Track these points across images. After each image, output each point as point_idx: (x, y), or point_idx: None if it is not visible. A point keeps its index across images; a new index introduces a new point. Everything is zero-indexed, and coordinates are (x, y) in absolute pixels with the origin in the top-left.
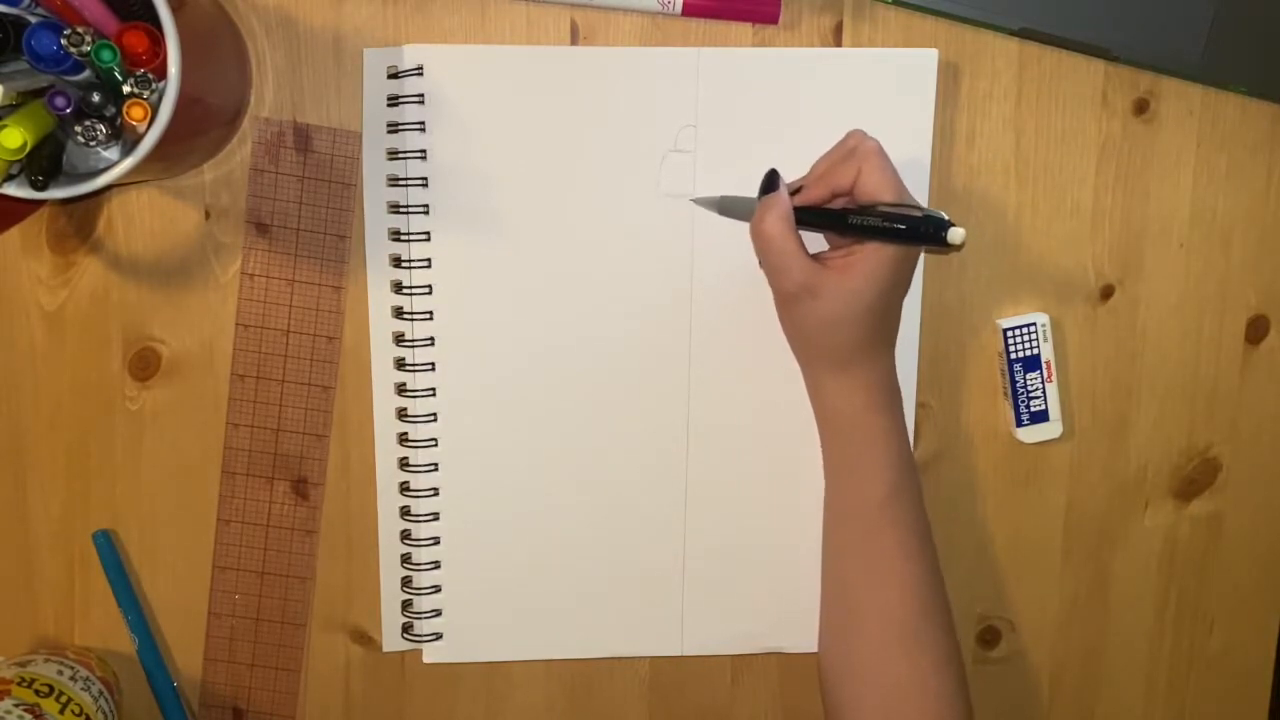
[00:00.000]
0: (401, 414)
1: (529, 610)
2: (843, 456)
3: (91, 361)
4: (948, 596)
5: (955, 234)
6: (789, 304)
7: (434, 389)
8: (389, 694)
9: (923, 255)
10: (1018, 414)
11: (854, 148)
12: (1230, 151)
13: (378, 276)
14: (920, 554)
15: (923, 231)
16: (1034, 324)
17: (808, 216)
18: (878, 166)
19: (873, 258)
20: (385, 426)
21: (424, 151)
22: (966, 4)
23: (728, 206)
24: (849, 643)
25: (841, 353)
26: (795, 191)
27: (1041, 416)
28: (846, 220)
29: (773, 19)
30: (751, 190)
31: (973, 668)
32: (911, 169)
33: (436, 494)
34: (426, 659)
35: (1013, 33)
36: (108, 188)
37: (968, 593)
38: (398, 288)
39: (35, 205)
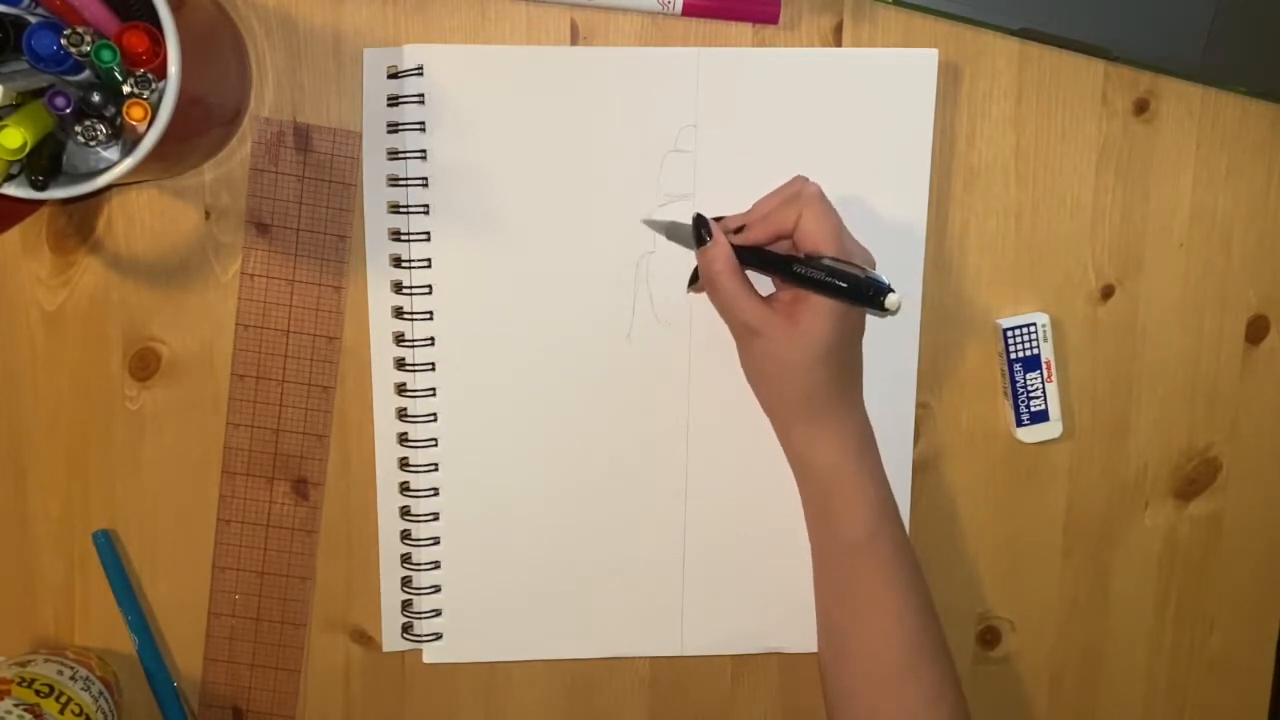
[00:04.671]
0: (401, 414)
1: (529, 610)
2: (818, 504)
3: (91, 361)
4: (941, 630)
5: (892, 300)
6: (742, 341)
7: (434, 389)
8: (389, 694)
9: (923, 255)
10: (1018, 414)
11: (797, 192)
12: (1230, 151)
13: (378, 276)
14: (906, 593)
15: (862, 293)
16: (1034, 324)
17: (752, 257)
18: (819, 213)
19: (819, 307)
20: (385, 426)
21: (424, 151)
22: (966, 4)
23: (675, 232)
24: (842, 679)
25: (805, 403)
26: (739, 230)
27: (1041, 416)
28: (790, 268)
29: (773, 19)
30: (748, 191)
31: (973, 668)
32: (911, 169)
33: (436, 494)
34: (426, 659)
35: (1013, 33)
36: (108, 188)
37: (968, 593)
38: (398, 288)
39: (35, 205)
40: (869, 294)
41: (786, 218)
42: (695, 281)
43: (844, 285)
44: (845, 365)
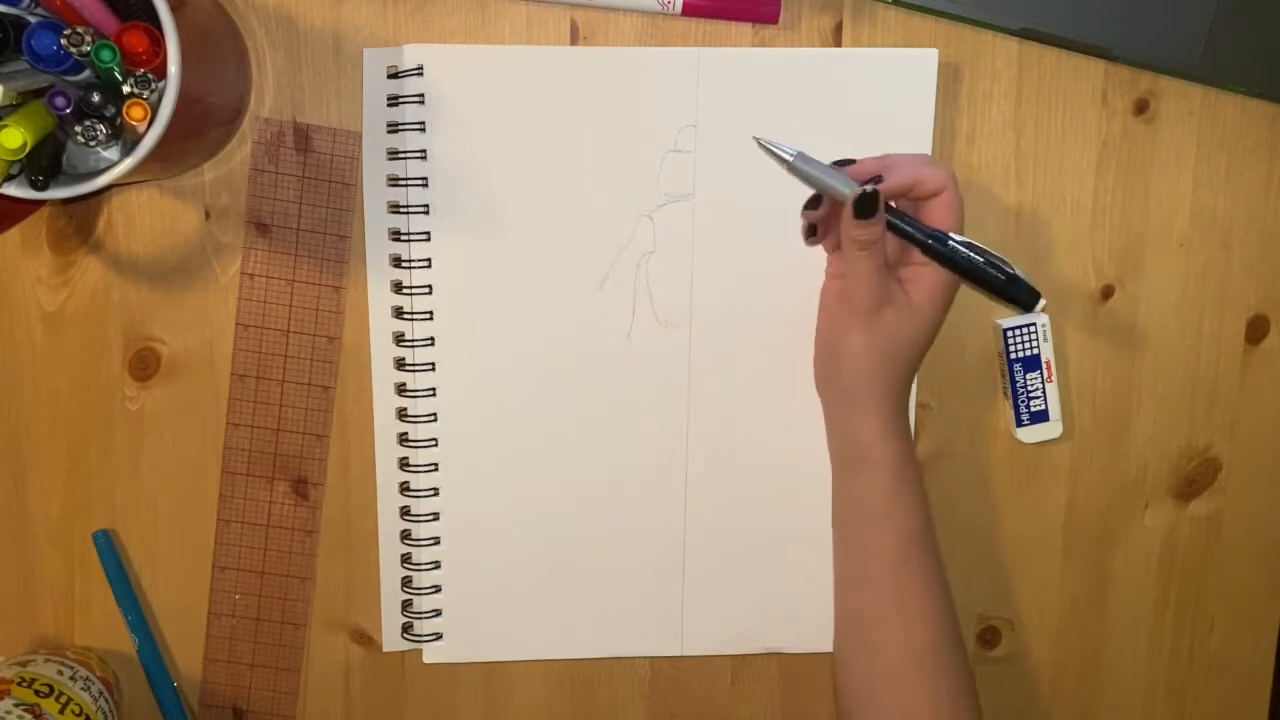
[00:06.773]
0: (401, 414)
1: (529, 610)
2: (878, 494)
3: (91, 361)
4: (960, 626)
5: (1040, 305)
6: (861, 316)
7: (434, 389)
8: (389, 694)
9: None
10: (1018, 414)
11: (940, 167)
12: (1230, 151)
13: (378, 276)
14: (942, 586)
15: (1012, 292)
16: (1034, 324)
17: (898, 222)
18: (958, 196)
19: (936, 289)
20: (385, 426)
21: (424, 151)
22: (966, 4)
23: (805, 173)
24: (869, 674)
25: (884, 387)
26: (876, 179)
27: (1041, 416)
28: (945, 242)
29: (773, 19)
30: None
31: (973, 668)
32: None
33: (436, 494)
34: (426, 659)
35: (1013, 33)
36: (108, 188)
37: (968, 593)
38: (398, 288)
39: (35, 205)
40: (1019, 296)
41: (934, 179)
42: (814, 235)
43: (1001, 277)
44: (920, 358)
